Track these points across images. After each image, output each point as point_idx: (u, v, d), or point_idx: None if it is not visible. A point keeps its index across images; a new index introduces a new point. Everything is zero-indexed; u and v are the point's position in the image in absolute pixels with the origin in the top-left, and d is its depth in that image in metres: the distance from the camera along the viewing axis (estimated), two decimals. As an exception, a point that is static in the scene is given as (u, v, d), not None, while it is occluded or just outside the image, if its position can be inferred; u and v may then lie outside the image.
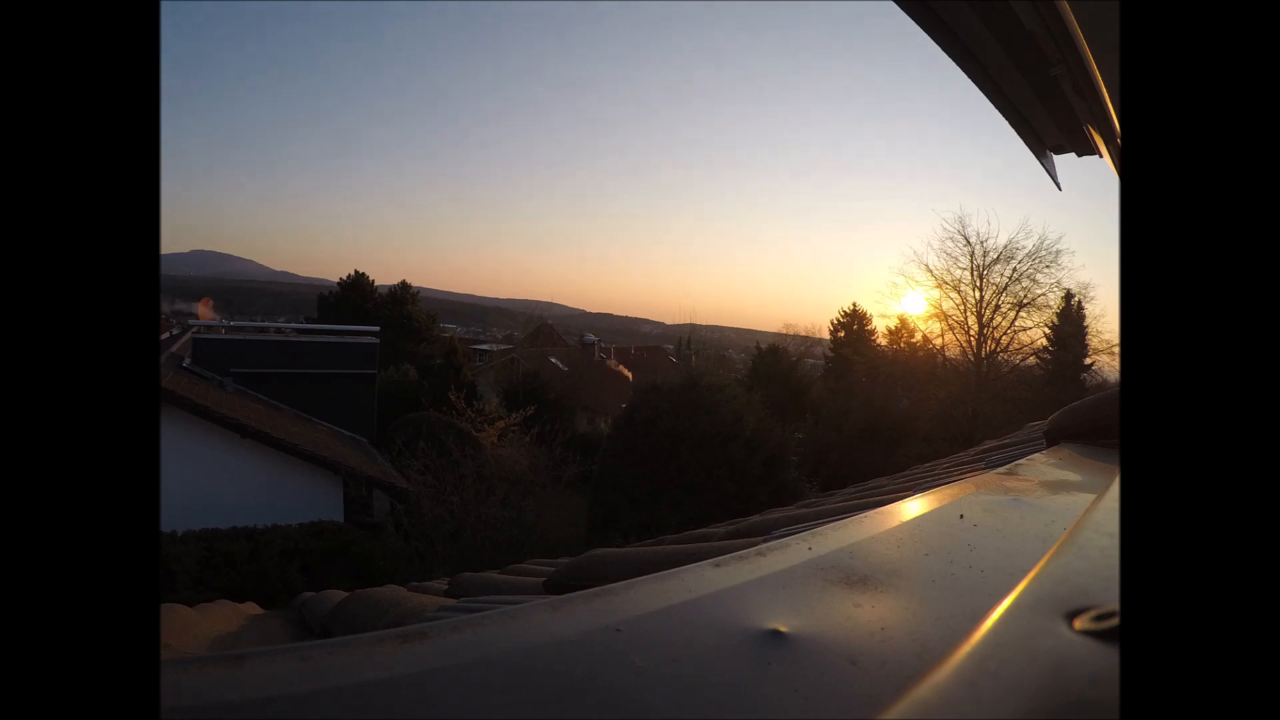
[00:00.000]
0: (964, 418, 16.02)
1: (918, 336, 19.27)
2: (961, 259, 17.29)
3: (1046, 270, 16.69)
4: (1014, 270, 16.84)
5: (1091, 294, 17.72)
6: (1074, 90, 1.31)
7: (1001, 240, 17.08)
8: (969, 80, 1.34)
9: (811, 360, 26.27)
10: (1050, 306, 17.19)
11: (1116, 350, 14.31)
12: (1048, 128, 1.57)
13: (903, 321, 19.45)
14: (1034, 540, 0.55)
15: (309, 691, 0.29)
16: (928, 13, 1.15)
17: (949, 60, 1.25)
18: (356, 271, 26.81)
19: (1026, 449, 1.33)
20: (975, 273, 17.18)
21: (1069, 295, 17.72)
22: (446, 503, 8.18)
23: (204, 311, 16.26)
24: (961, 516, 0.61)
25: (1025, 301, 16.90)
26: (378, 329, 16.19)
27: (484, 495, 8.26)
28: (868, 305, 25.39)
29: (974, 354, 17.13)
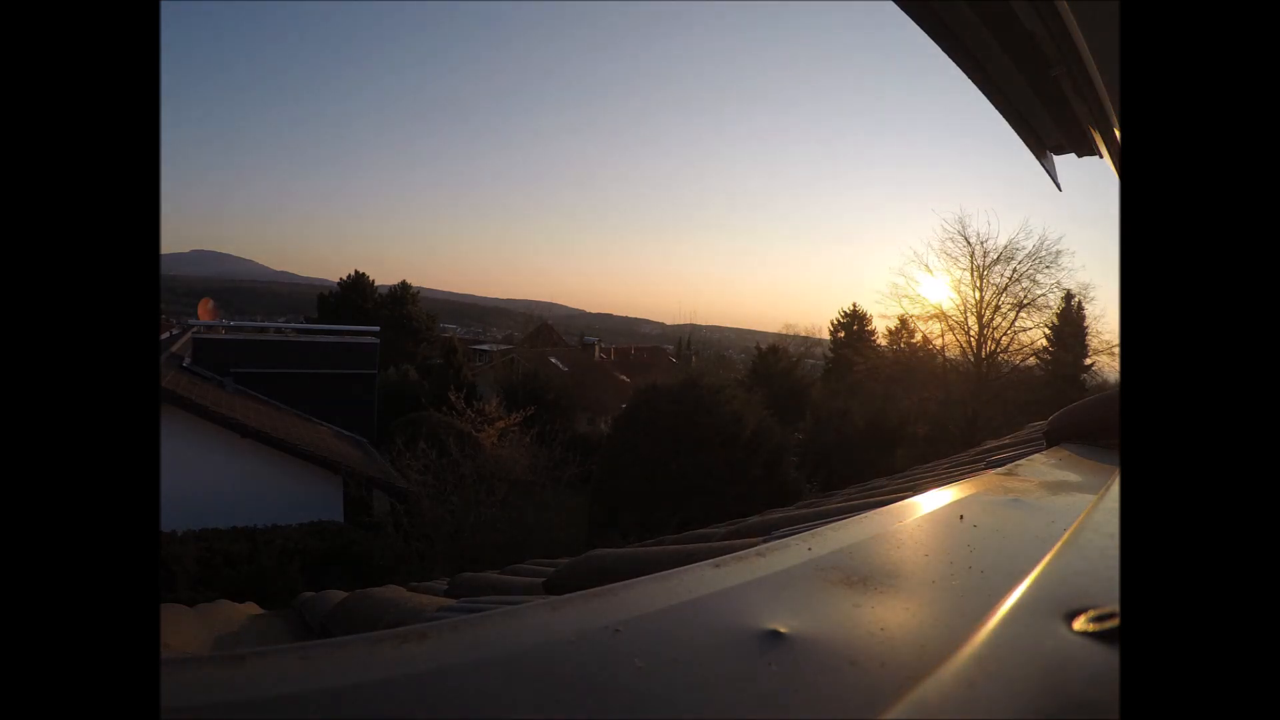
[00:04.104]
0: (964, 418, 16.03)
1: (918, 337, 19.27)
2: (961, 259, 17.31)
3: (1046, 271, 16.71)
4: (1014, 271, 16.85)
5: (1091, 294, 17.75)
6: (1074, 90, 1.31)
7: (1001, 241, 17.10)
8: (969, 81, 1.34)
9: (811, 360, 26.28)
10: (1050, 307, 17.21)
11: (1116, 350, 14.30)
12: (1048, 128, 1.57)
13: (903, 322, 19.46)
14: (1034, 541, 0.55)
15: (309, 691, 0.29)
16: (928, 13, 1.15)
17: (949, 60, 1.25)
18: (356, 271, 26.83)
19: (1026, 449, 1.33)
20: (975, 273, 17.19)
21: (1069, 296, 17.74)
22: (446, 503, 8.18)
23: (204, 311, 16.23)
24: (961, 517, 0.61)
25: (1025, 302, 16.91)
26: (378, 329, 16.18)
27: (484, 495, 8.26)
28: (868, 306, 25.41)
29: (974, 354, 17.13)
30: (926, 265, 17.94)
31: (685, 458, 8.59)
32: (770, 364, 21.35)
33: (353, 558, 7.38)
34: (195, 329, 14.71)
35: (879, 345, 21.78)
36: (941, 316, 17.61)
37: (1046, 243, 16.64)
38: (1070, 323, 17.98)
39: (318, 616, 2.00)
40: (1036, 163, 1.72)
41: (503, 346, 33.86)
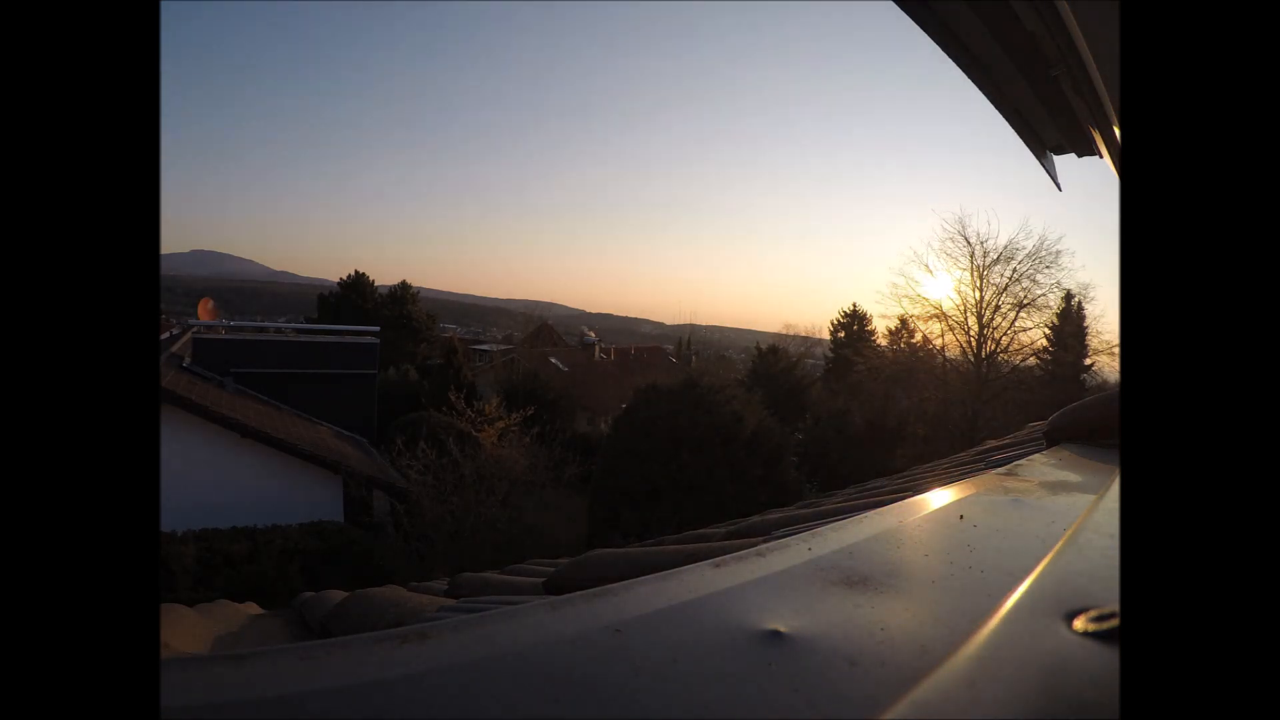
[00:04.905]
0: (964, 418, 16.02)
1: (918, 337, 19.28)
2: (961, 259, 17.30)
3: (1046, 271, 16.68)
4: (1014, 271, 16.83)
5: (1091, 294, 17.74)
6: (1074, 90, 1.31)
7: (1001, 241, 17.08)
8: (969, 80, 1.34)
9: (811, 360, 26.33)
10: (1050, 307, 17.19)
11: (1116, 350, 14.29)
12: (1048, 128, 1.57)
13: (903, 322, 19.47)
14: (1034, 541, 0.55)
15: (309, 691, 0.29)
16: (928, 13, 1.15)
17: (949, 60, 1.25)
18: (356, 271, 26.82)
19: (1026, 449, 1.33)
20: (975, 273, 17.17)
21: (1069, 296, 17.73)
22: (446, 503, 8.18)
23: (204, 311, 16.23)
24: (961, 517, 0.61)
25: (1025, 302, 16.88)
26: (378, 329, 16.17)
27: (484, 495, 8.26)
28: (868, 306, 25.49)
29: (974, 354, 17.12)
30: (926, 265, 17.94)
31: (685, 458, 8.59)
32: (770, 364, 21.37)
33: (353, 558, 7.37)
34: (195, 329, 14.70)
35: (879, 345, 21.80)
36: (941, 316, 17.60)
37: (1046, 243, 16.63)
38: (1070, 323, 17.98)
39: (318, 616, 2.00)
40: (1036, 163, 1.72)
41: (503, 346, 33.83)
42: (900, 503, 0.70)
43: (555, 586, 1.14)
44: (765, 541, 0.63)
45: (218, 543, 6.94)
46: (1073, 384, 16.58)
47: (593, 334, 33.52)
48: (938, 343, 18.18)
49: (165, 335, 14.18)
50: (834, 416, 15.17)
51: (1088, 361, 18.04)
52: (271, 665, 0.31)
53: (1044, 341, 17.82)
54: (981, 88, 1.37)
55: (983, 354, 17.02)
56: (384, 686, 0.30)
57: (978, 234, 17.11)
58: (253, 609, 2.80)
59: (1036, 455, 1.04)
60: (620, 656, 0.33)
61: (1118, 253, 0.32)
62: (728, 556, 0.49)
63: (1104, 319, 17.76)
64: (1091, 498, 0.69)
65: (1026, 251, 16.66)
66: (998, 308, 16.98)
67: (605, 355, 30.27)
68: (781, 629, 0.36)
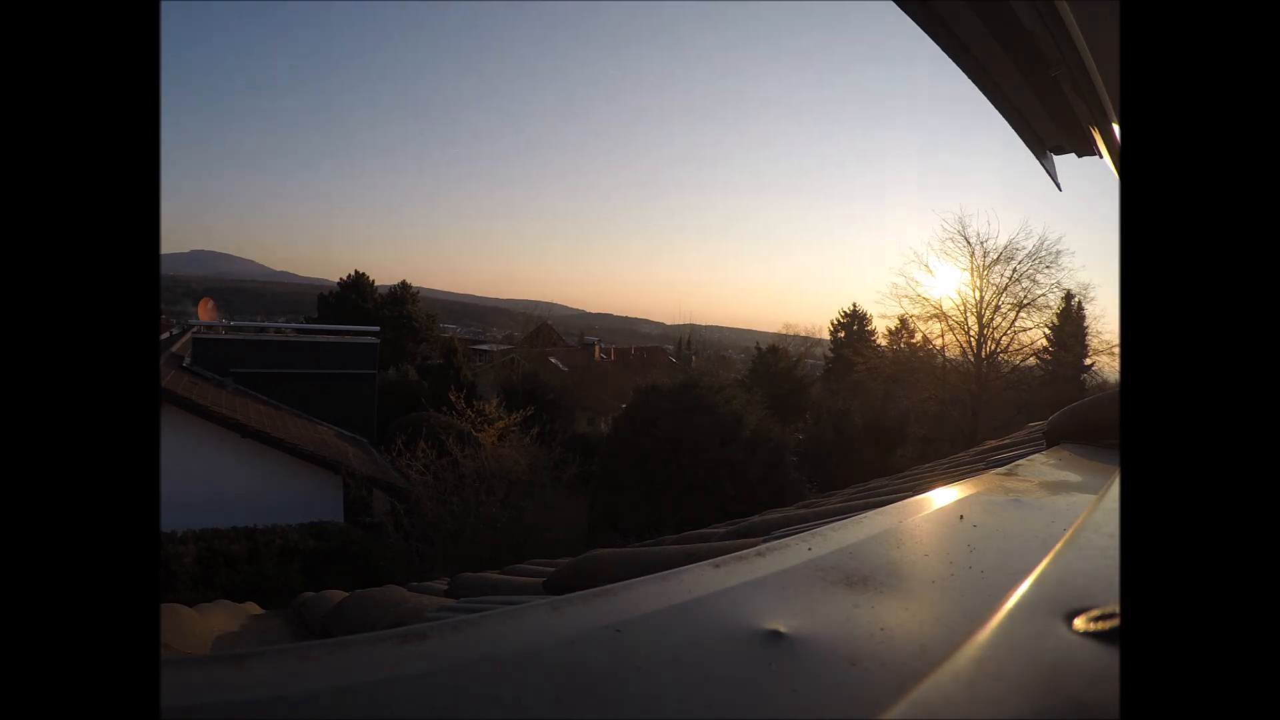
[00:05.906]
0: (964, 418, 16.02)
1: (918, 337, 19.28)
2: (961, 259, 17.30)
3: (1046, 271, 16.69)
4: (1014, 271, 16.83)
5: (1091, 294, 17.75)
6: (1074, 90, 1.31)
7: (1001, 241, 17.08)
8: (970, 81, 1.34)
9: (811, 360, 26.36)
10: (1050, 307, 17.20)
11: (1116, 350, 14.30)
12: (1048, 128, 1.57)
13: (903, 322, 19.48)
14: (1034, 541, 0.55)
15: (309, 691, 0.29)
16: (928, 13, 1.15)
17: (949, 60, 1.25)
18: (356, 271, 26.83)
19: (1026, 449, 1.33)
20: (975, 273, 17.17)
21: (1069, 296, 17.74)
22: (446, 503, 8.18)
23: (204, 311, 16.22)
24: (961, 517, 0.61)
25: (1025, 302, 16.89)
26: (378, 329, 16.18)
27: (484, 495, 8.26)
28: (868, 306, 25.54)
29: (974, 354, 17.11)
30: (926, 265, 17.95)
31: (685, 458, 8.58)
32: (770, 364, 21.38)
33: (353, 558, 7.37)
34: (195, 329, 14.70)
35: (879, 345, 21.82)
36: (941, 316, 17.61)
37: (1046, 243, 16.64)
38: (1070, 323, 17.99)
39: (318, 616, 2.00)
40: (1036, 163, 1.72)
41: (503, 346, 33.80)
42: (900, 503, 0.70)
43: (555, 586, 1.14)
44: (765, 541, 0.63)
45: (218, 543, 6.93)
46: (1073, 384, 16.59)
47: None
48: (938, 343, 18.19)
49: (165, 335, 14.18)
50: (834, 416, 15.16)
51: (1088, 361, 18.05)
52: (271, 665, 0.31)
53: (1044, 341, 17.83)
54: (981, 88, 1.37)
55: (983, 354, 17.01)
56: (384, 686, 0.30)
57: (978, 234, 17.13)
58: (253, 609, 2.80)
59: (1036, 455, 1.04)
60: (620, 656, 0.33)
61: (1118, 253, 0.32)
62: (728, 556, 0.49)
63: (1104, 319, 17.79)
64: (1091, 498, 0.69)
65: (1026, 251, 16.68)
66: (998, 308, 16.98)
67: (605, 355, 30.26)
68: (781, 629, 0.36)
